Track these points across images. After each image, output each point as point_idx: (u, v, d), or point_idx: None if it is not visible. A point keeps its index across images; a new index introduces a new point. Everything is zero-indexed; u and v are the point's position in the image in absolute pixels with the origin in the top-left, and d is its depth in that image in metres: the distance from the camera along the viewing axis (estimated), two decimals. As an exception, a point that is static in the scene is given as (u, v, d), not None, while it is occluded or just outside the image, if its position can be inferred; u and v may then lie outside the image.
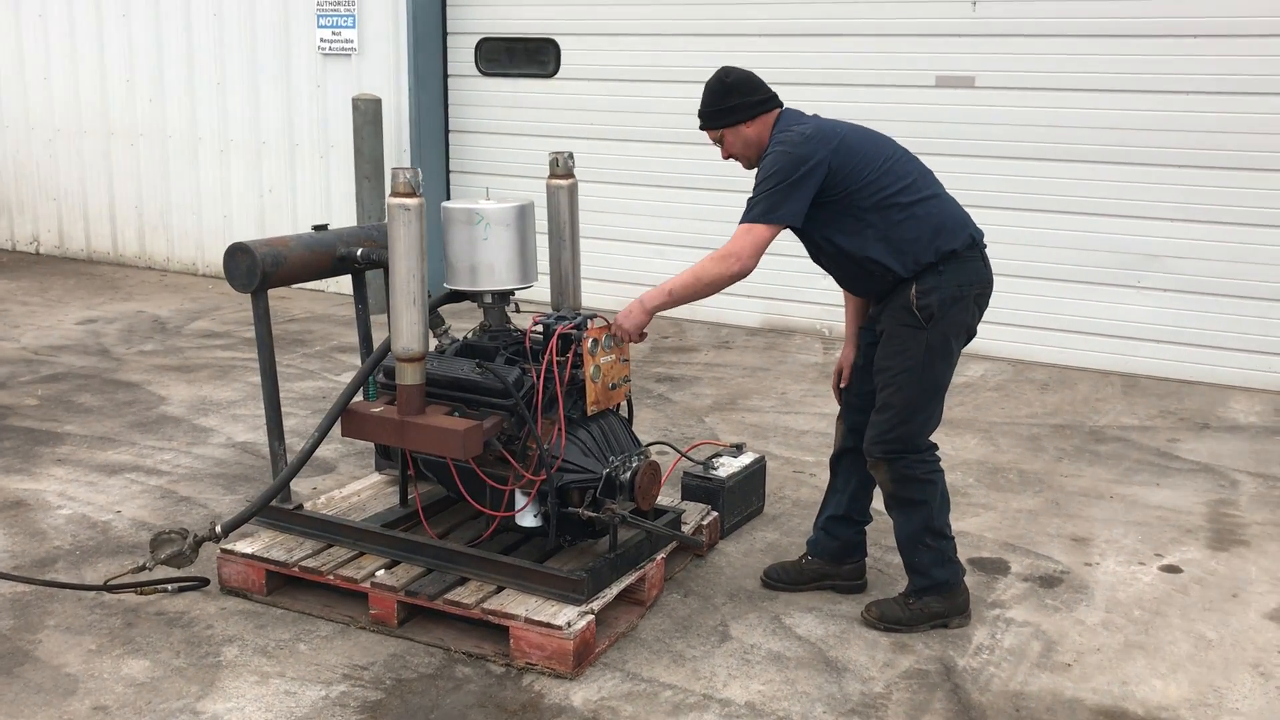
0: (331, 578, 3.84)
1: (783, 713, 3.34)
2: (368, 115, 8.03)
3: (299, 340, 7.50)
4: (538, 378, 3.73)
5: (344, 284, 8.78)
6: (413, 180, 3.52)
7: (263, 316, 4.06)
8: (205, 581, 4.02)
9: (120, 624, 3.80)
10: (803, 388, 6.54)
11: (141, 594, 3.93)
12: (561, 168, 4.21)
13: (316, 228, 4.25)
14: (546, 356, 3.72)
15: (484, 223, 3.78)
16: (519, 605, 3.60)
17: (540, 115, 8.28)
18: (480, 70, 8.46)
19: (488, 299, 3.94)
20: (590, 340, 3.76)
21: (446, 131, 8.65)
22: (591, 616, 3.58)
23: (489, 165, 8.54)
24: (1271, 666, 3.62)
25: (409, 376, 3.64)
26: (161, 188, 9.60)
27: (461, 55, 8.50)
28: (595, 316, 3.90)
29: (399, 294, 3.58)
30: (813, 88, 7.32)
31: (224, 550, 4.00)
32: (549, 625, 3.50)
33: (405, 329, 3.59)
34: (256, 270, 3.94)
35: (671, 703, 3.39)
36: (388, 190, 3.65)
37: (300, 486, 5.00)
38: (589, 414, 3.80)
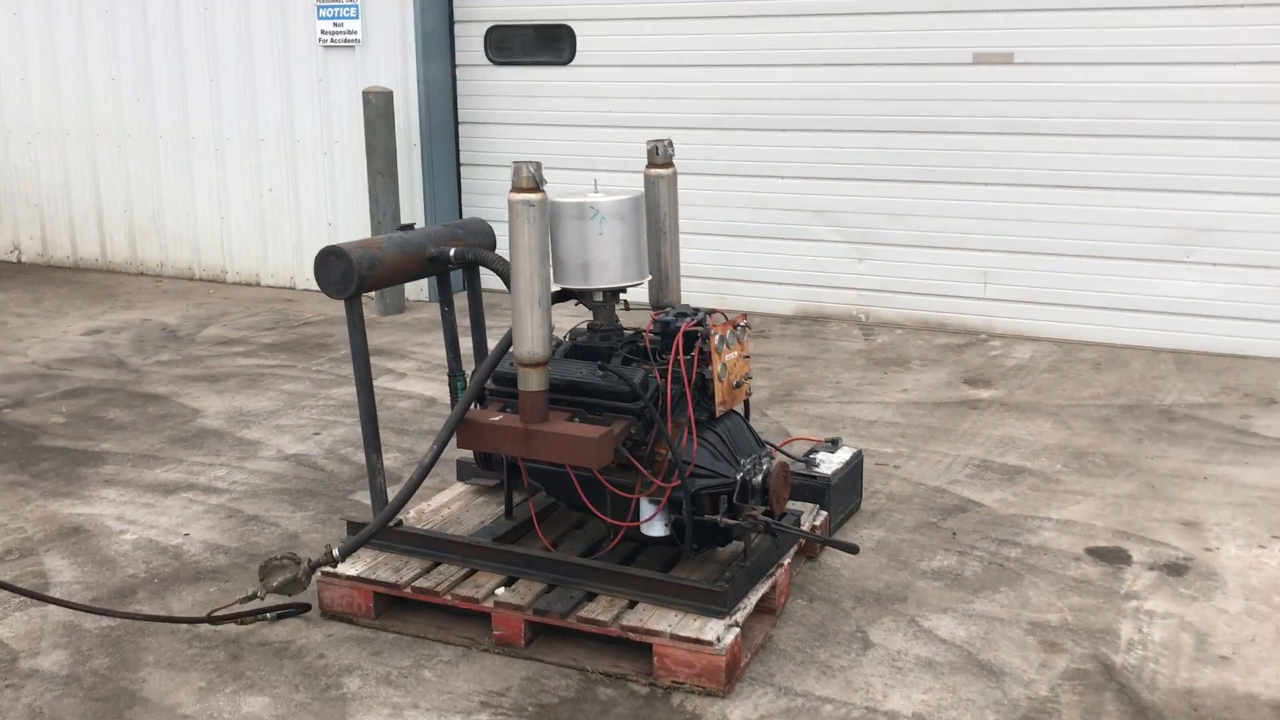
0: (449, 598, 3.63)
1: (955, 722, 3.19)
2: (379, 109, 7.74)
3: (321, 345, 7.22)
4: (661, 378, 3.54)
5: (354, 284, 8.50)
6: (536, 174, 3.30)
7: (358, 324, 3.82)
8: (306, 607, 3.78)
9: (225, 657, 3.55)
10: (855, 375, 6.39)
11: (242, 624, 3.69)
12: (661, 156, 4.01)
13: (403, 228, 4.01)
14: (673, 355, 3.52)
15: (599, 217, 3.57)
16: (660, 621, 3.41)
17: (556, 104, 8.05)
18: (490, 59, 8.20)
19: (598, 297, 3.74)
20: (717, 337, 3.57)
21: (456, 123, 8.38)
22: (738, 629, 3.39)
23: (503, 157, 8.28)
24: None
25: (534, 382, 3.43)
26: (153, 190, 9.23)
27: (470, 44, 8.23)
28: (714, 312, 3.71)
29: (522, 295, 3.36)
30: (848, 68, 7.20)
31: (326, 573, 3.76)
32: (698, 641, 3.32)
33: (530, 332, 3.38)
34: (353, 275, 3.69)
35: (835, 718, 3.22)
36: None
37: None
38: (716, 414, 3.61)
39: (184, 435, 5.58)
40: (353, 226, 8.40)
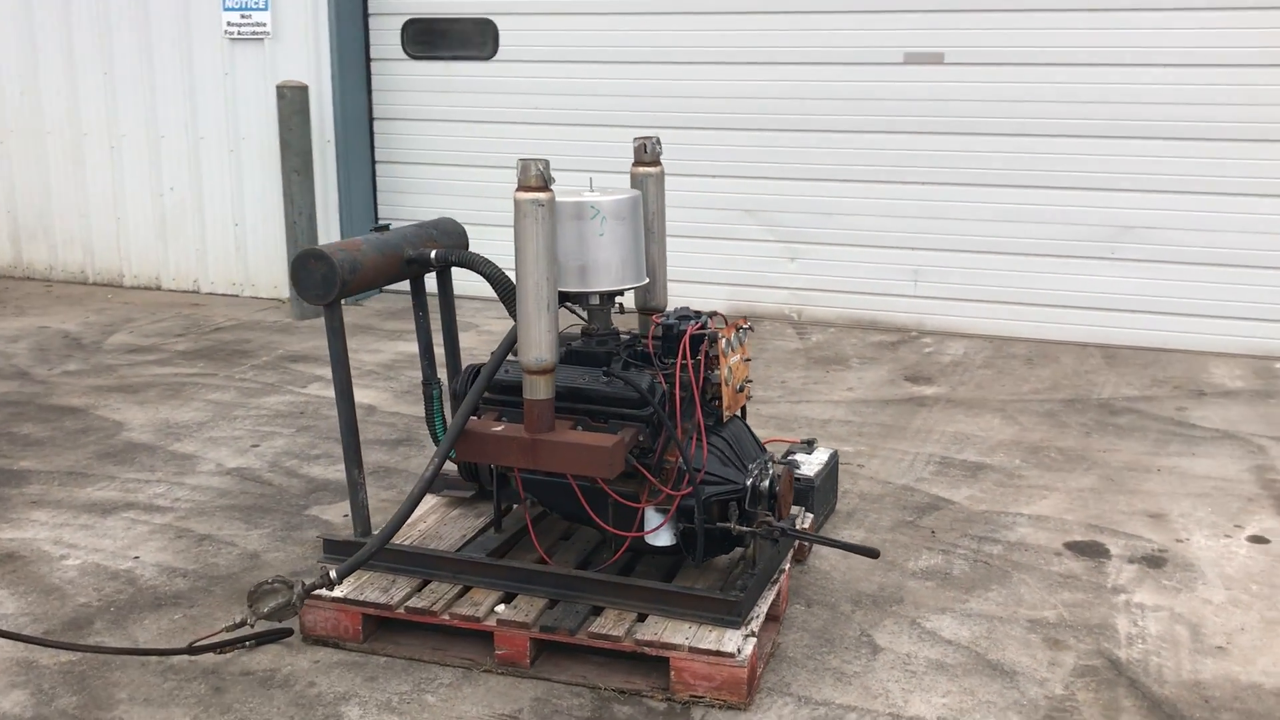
0: (446, 618, 3.45)
1: (981, 726, 3.17)
2: (295, 104, 7.43)
3: (240, 352, 6.89)
4: (667, 383, 3.44)
5: (261, 287, 8.19)
6: (545, 172, 3.16)
7: (339, 330, 3.61)
8: (288, 632, 3.56)
9: (207, 690, 3.32)
10: (799, 374, 6.38)
11: (220, 653, 3.45)
12: (649, 154, 3.91)
13: (377, 228, 3.81)
14: (680, 359, 3.42)
15: (600, 217, 3.44)
16: (675, 634, 3.30)
17: (478, 100, 7.85)
18: (408, 53, 7.96)
19: (594, 300, 3.61)
20: (724, 340, 3.48)
21: (371, 120, 8.11)
22: (755, 639, 3.31)
23: (420, 155, 8.07)
24: (1405, 632, 3.66)
25: (541, 390, 3.29)
26: (39, 190, 8.70)
27: (386, 38, 7.97)
28: (714, 314, 3.62)
29: (529, 299, 3.21)
30: (779, 66, 7.19)
31: (310, 596, 3.55)
32: (718, 653, 3.22)
33: (538, 338, 3.23)
34: (335, 279, 3.49)
35: (864, 726, 3.17)
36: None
37: (329, 515, 4.54)
38: (723, 419, 3.52)
39: (110, 450, 5.24)
40: (262, 227, 8.06)
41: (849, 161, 7.13)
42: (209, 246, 8.29)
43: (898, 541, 4.29)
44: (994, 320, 7.02)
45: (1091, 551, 4.23)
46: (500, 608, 3.48)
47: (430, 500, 4.25)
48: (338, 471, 4.97)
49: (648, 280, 3.68)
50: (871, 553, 3.39)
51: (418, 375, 6.16)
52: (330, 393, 6.02)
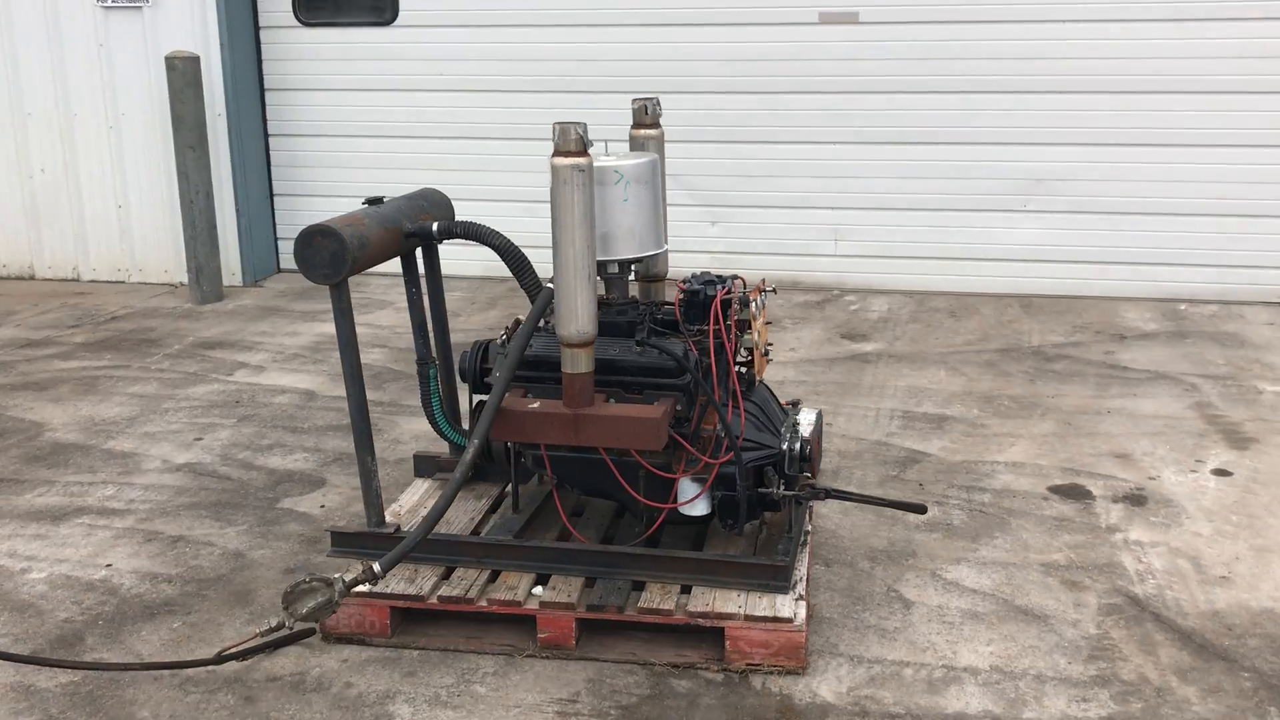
0: (485, 604, 3.32)
1: (1034, 670, 3.22)
2: (187, 76, 6.99)
3: (148, 340, 6.48)
4: (697, 350, 3.37)
5: (150, 272, 7.74)
6: (584, 136, 3.03)
7: (347, 310, 3.41)
8: (310, 632, 3.37)
9: (236, 700, 3.11)
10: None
11: (243, 660, 3.24)
12: (650, 116, 3.81)
13: (371, 201, 3.61)
14: (713, 325, 3.35)
15: (624, 181, 3.34)
16: (726, 603, 3.26)
17: (378, 68, 7.54)
18: (300, 20, 7.58)
19: (613, 269, 3.50)
20: (753, 304, 3.43)
21: (263, 91, 7.71)
22: (805, 603, 3.29)
23: (318, 126, 7.72)
24: (1378, 550, 3.88)
25: (582, 363, 3.17)
26: (-113, 174, 7.99)
27: (276, 4, 7.57)
28: (736, 278, 3.56)
29: (570, 270, 3.09)
30: (693, 28, 7.14)
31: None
32: (775, 619, 3.19)
33: (580, 309, 3.11)
34: (346, 256, 3.29)
35: (924, 680, 3.18)
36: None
37: (304, 508, 4.32)
38: (754, 384, 3.48)
39: (38, 453, 4.86)
40: (149, 208, 7.60)
41: (767, 122, 7.14)
42: (89, 231, 7.77)
43: (890, 496, 4.34)
44: (913, 276, 7.16)
45: (1075, 494, 4.36)
46: (537, 589, 3.38)
47: (422, 485, 4.08)
48: (296, 462, 4.73)
49: (666, 247, 3.59)
50: (919, 508, 3.41)
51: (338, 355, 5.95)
52: (265, 380, 5.77)
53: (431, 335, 3.95)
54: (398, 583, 3.39)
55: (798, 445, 3.44)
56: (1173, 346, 6.11)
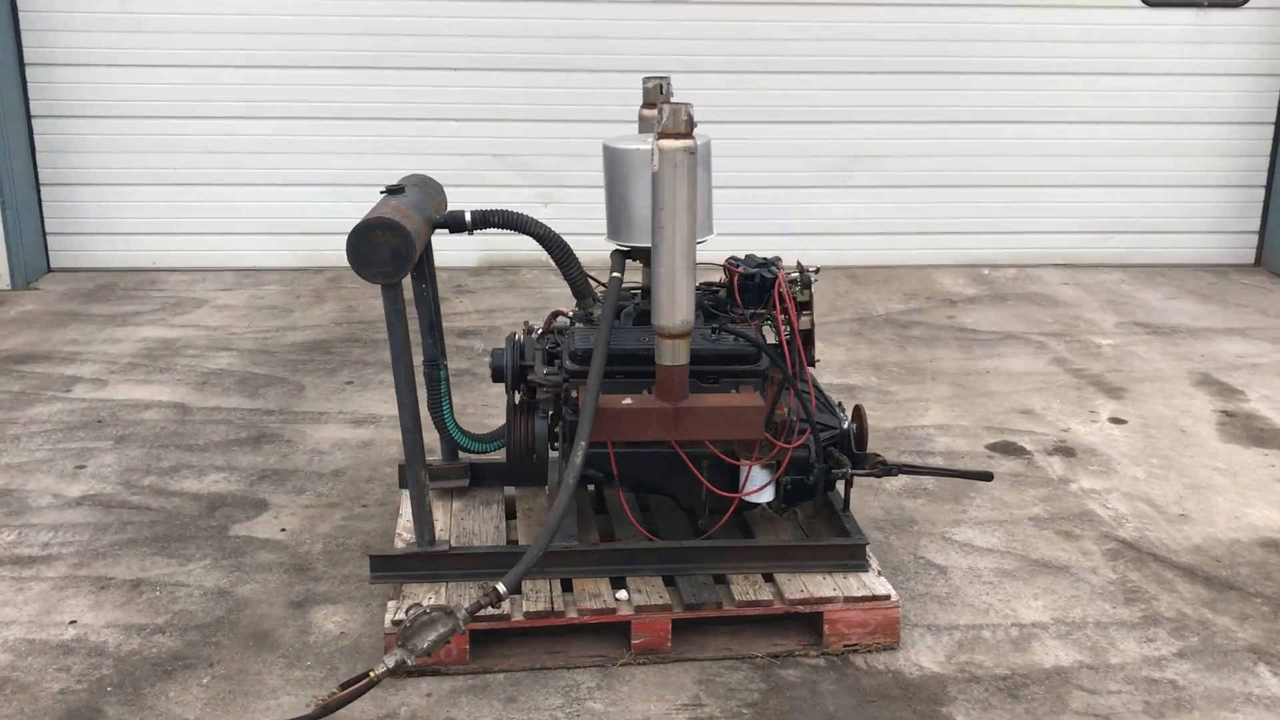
0: (575, 615, 3.13)
1: (1091, 618, 3.42)
2: (-54, 47, 6.01)
3: (49, 359, 5.56)
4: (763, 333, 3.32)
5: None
6: (693, 117, 2.89)
7: (402, 313, 3.08)
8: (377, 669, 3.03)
9: (339, 755, 2.77)
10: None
11: (325, 704, 2.88)
12: (664, 96, 3.68)
13: (392, 189, 3.27)
14: (777, 308, 3.31)
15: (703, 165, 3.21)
16: (819, 587, 3.24)
17: (173, 41, 6.79)
18: (69, -14, 6.70)
19: (662, 254, 3.37)
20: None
21: (22, 65, 6.74)
22: (883, 577, 3.34)
23: (93, 106, 6.85)
24: (1277, 459, 4.42)
25: (681, 355, 3.04)
26: None
27: (35, -33, 6.65)
28: (778, 259, 3.53)
29: (675, 257, 2.95)
30: (524, 3, 6.93)
31: (396, 623, 3.05)
32: (873, 598, 3.22)
33: (683, 298, 2.98)
34: (408, 252, 2.97)
35: (1007, 641, 3.31)
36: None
37: (262, 533, 3.88)
38: (811, 364, 3.46)
39: (-117, 499, 4.07)
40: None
41: (598, 101, 7.06)
42: None
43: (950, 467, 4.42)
44: (743, 252, 7.31)
45: (1013, 451, 4.65)
46: (621, 594, 3.22)
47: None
48: (217, 483, 4.24)
49: (714, 233, 3.50)
50: (987, 476, 3.53)
51: (196, 363, 5.39)
52: (116, 394, 5.13)
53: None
54: (463, 603, 3.13)
55: (852, 424, 3.47)
56: (1000, 309, 6.63)
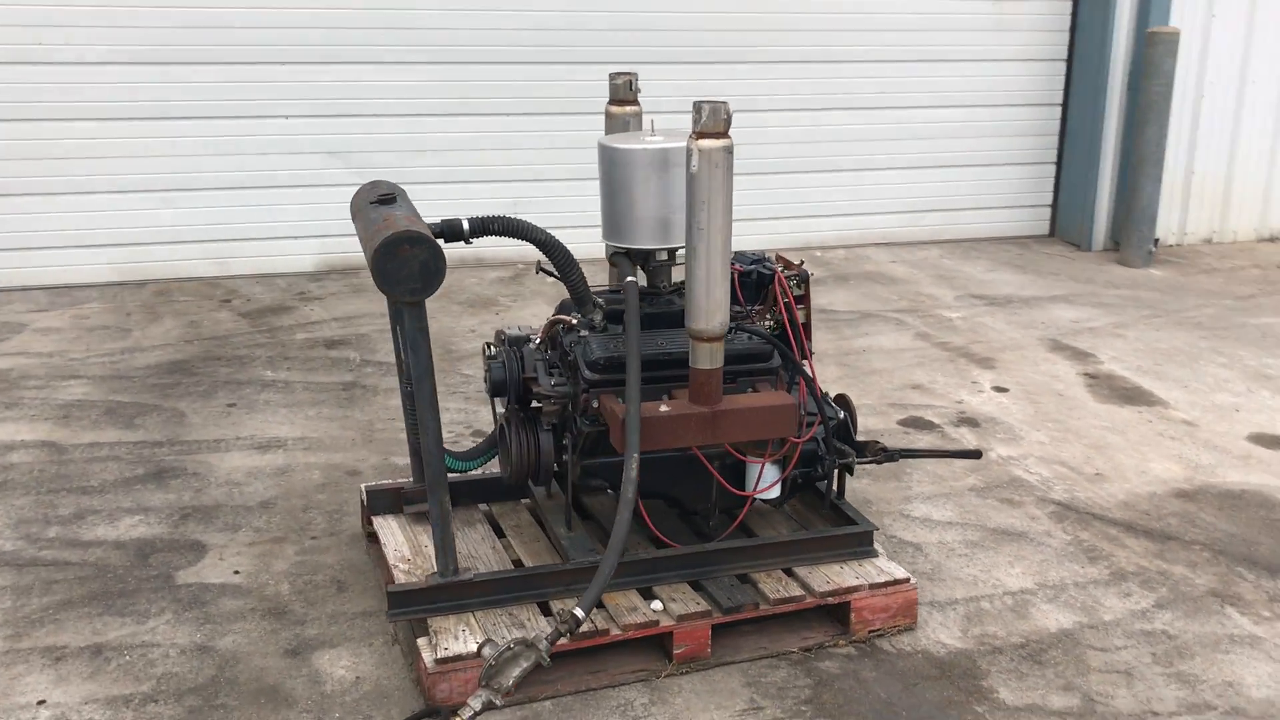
0: (618, 632, 3.03)
1: (1069, 580, 3.63)
2: None
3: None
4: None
5: None
6: (729, 116, 2.84)
7: (426, 331, 2.87)
8: (434, 711, 2.84)
9: (419, 810, 2.58)
10: (471, 322, 6.11)
11: (388, 763, 2.67)
12: (631, 92, 3.59)
13: (384, 199, 3.05)
14: (781, 303, 3.31)
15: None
16: (843, 576, 3.29)
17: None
18: None
19: (661, 255, 3.31)
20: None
21: None
22: (896, 562, 3.42)
23: None
24: (1151, 415, 4.80)
25: (718, 358, 2.99)
26: None
27: None
28: (770, 255, 3.53)
29: (716, 259, 2.89)
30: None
31: (443, 660, 2.87)
32: (894, 582, 3.29)
33: (721, 300, 2.93)
34: (438, 267, 2.78)
35: (1007, 609, 3.46)
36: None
37: (215, 578, 3.56)
38: (810, 358, 3.48)
39: None
40: None
41: (441, 94, 6.82)
42: None
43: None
44: (595, 243, 7.26)
45: (924, 425, 4.86)
46: (655, 604, 3.15)
47: (393, 522, 3.55)
48: (136, 528, 3.84)
49: (707, 229, 3.44)
50: (976, 454, 3.66)
51: (46, 395, 4.89)
52: None
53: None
54: (503, 633, 2.98)
55: (844, 412, 3.52)
56: (847, 289, 6.90)
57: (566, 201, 7.22)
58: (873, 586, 3.27)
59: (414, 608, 3.05)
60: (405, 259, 2.75)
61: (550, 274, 3.58)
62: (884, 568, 3.34)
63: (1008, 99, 7.86)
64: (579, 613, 2.72)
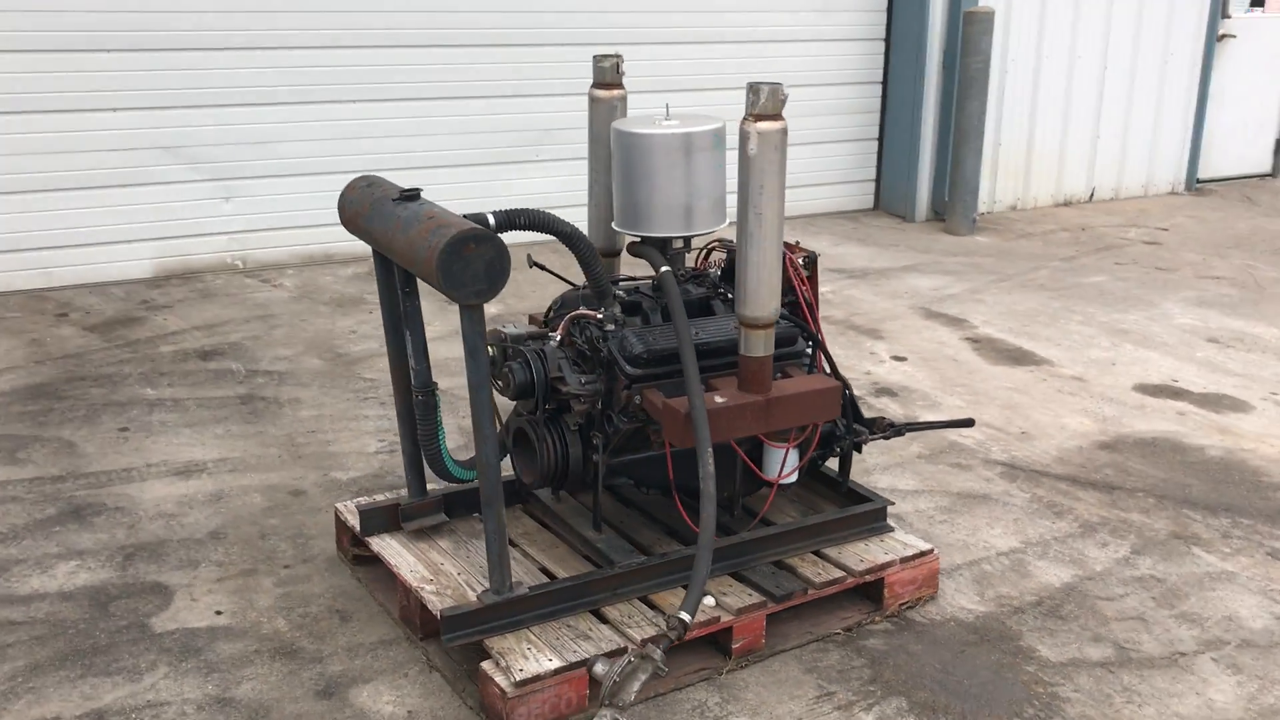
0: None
1: (1048, 536, 3.80)
2: None
3: None
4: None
5: None
6: (782, 98, 2.77)
7: (484, 335, 2.65)
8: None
9: (545, 844, 2.41)
10: (347, 323, 5.76)
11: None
12: (618, 76, 3.46)
13: (407, 195, 2.81)
14: (797, 286, 3.29)
15: (719, 147, 3.08)
16: (876, 553, 3.32)
17: None
18: None
19: (678, 243, 3.22)
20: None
21: None
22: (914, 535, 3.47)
23: None
24: (1042, 374, 5.09)
25: (770, 345, 2.93)
26: None
27: None
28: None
29: (768, 245, 2.83)
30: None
31: (521, 684, 2.70)
32: (921, 555, 3.35)
33: (776, 287, 2.87)
34: (504, 265, 2.59)
35: (1009, 569, 3.58)
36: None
37: (196, 621, 3.22)
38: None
39: None
40: None
41: (278, 81, 6.38)
42: None
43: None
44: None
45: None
46: (708, 600, 3.07)
47: (393, 543, 3.31)
48: (75, 574, 3.43)
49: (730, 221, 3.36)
50: (969, 423, 3.74)
51: None
52: None
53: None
54: (571, 649, 2.83)
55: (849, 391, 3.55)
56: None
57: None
58: (903, 561, 3.32)
59: (469, 629, 2.85)
60: (470, 259, 2.56)
61: (542, 267, 3.44)
62: (907, 541, 3.40)
63: (836, 78, 8.11)
64: (686, 617, 2.61)
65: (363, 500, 3.45)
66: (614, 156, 3.18)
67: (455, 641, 2.85)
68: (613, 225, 3.30)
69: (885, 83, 8.31)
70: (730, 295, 3.29)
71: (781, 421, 3.02)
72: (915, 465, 4.31)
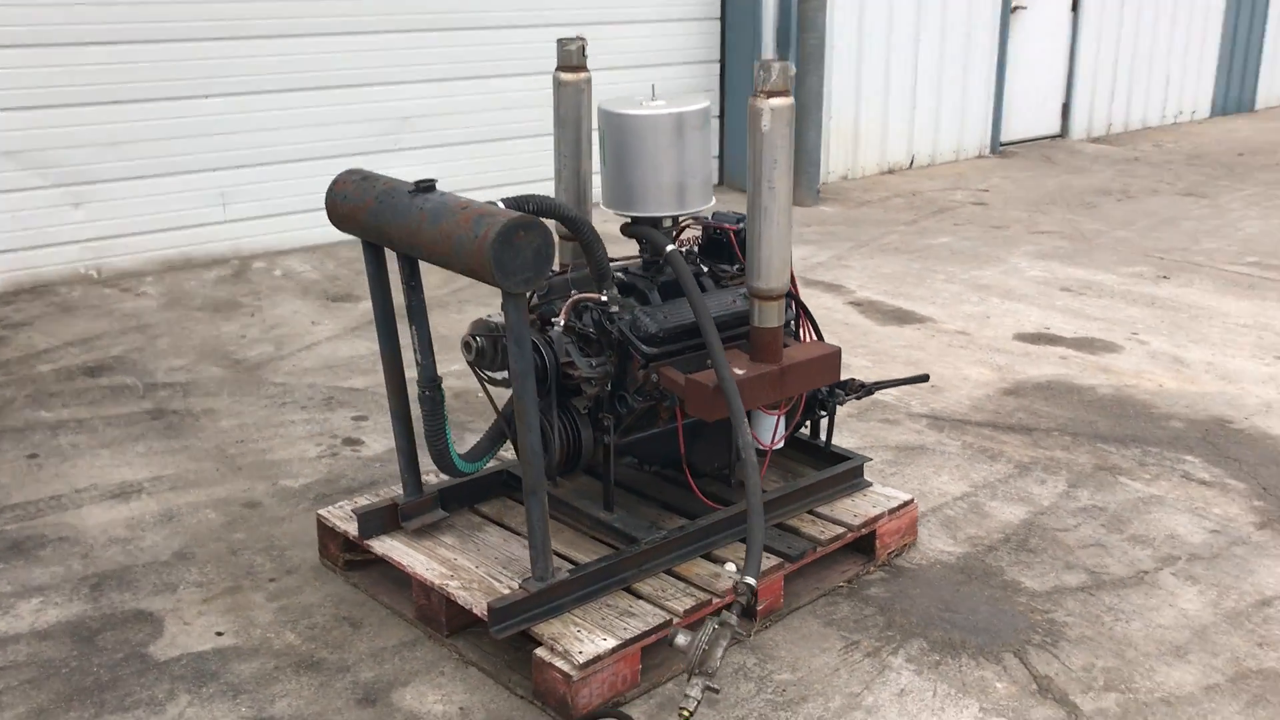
0: (716, 600, 3.01)
1: (994, 478, 4.05)
2: None
3: None
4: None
5: None
6: (791, 75, 2.85)
7: (527, 325, 2.62)
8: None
9: (648, 817, 2.44)
10: (318, 323, 5.52)
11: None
12: (582, 59, 3.46)
13: (422, 185, 2.74)
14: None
15: (708, 126, 3.14)
16: (866, 506, 3.48)
17: None
18: None
19: (667, 223, 3.26)
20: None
21: None
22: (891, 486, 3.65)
23: None
24: (930, 330, 5.40)
25: (781, 315, 3.02)
26: None
27: None
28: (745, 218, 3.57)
29: (780, 218, 2.91)
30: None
31: (583, 666, 2.71)
32: (904, 505, 3.52)
33: (787, 259, 2.96)
34: (550, 252, 2.57)
35: (970, 512, 3.80)
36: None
37: (199, 645, 3.07)
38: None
39: None
40: None
41: (124, 78, 6.02)
42: None
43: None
44: (314, 229, 6.77)
45: (763, 367, 5.11)
46: (728, 566, 3.15)
47: (395, 543, 3.24)
48: (41, 611, 3.23)
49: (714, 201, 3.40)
50: (924, 379, 3.92)
51: None
52: None
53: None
54: (621, 627, 2.86)
55: (814, 355, 3.68)
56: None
57: (270, 186, 6.73)
58: (890, 512, 3.49)
59: (515, 619, 2.84)
60: (520, 246, 2.54)
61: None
62: (889, 494, 3.57)
63: (682, 57, 8.28)
64: (751, 581, 2.68)
65: (360, 504, 3.36)
66: (605, 139, 3.20)
67: (504, 632, 2.83)
68: (602, 206, 3.31)
69: (723, 61, 8.52)
70: (715, 271, 3.38)
71: (794, 388, 3.13)
72: (849, 424, 4.50)
